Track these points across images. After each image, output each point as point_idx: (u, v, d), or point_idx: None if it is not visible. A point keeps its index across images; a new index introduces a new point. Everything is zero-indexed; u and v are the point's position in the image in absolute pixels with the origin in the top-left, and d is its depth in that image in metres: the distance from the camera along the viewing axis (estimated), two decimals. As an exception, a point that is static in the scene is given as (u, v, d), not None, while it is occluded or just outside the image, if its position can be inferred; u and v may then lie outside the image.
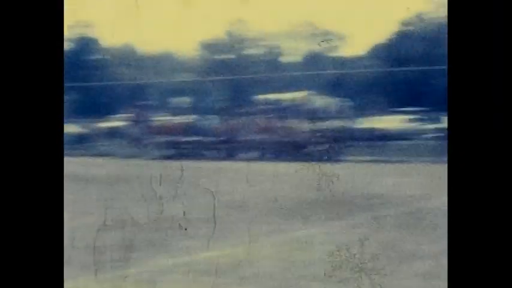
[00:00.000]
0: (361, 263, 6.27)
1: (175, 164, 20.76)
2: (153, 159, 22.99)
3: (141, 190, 10.91)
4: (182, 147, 23.50)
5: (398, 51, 65.38)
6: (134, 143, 24.53)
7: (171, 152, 23.46)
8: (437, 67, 56.75)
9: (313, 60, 70.32)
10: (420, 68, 56.78)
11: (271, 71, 57.09)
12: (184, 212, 8.97)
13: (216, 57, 71.75)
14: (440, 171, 16.10)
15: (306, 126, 21.92)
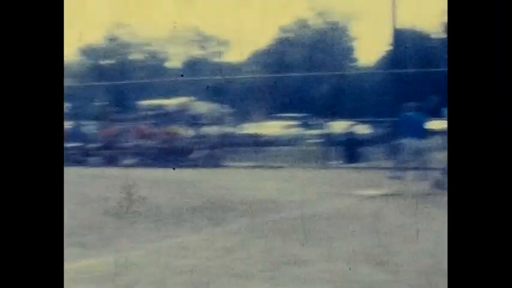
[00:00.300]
0: (240, 269, 6.30)
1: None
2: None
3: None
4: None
5: (279, 58, 66.25)
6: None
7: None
8: (317, 73, 57.96)
9: (197, 66, 70.14)
10: (301, 74, 57.85)
11: (155, 77, 56.65)
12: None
13: (98, 62, 70.35)
14: (320, 176, 16.50)
15: (188, 132, 21.91)
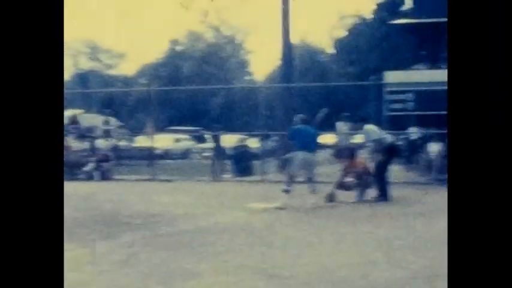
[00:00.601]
0: (132, 283, 6.25)
1: None
2: None
3: None
4: None
5: (169, 70, 65.93)
6: None
7: None
8: (209, 86, 57.92)
9: (90, 78, 68.86)
10: (191, 87, 57.78)
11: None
12: None
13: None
14: (212, 189, 16.54)
15: (80, 145, 21.49)
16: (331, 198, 12.97)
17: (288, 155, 17.86)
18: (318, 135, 13.34)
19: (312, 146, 12.95)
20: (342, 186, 13.39)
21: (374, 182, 13.42)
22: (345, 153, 14.17)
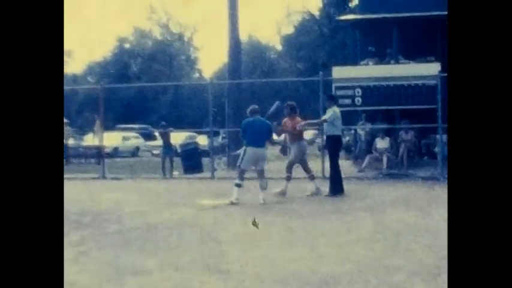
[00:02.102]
0: (80, 280, 6.19)
1: None
2: None
3: None
4: None
5: (117, 68, 65.31)
6: None
7: None
8: (158, 84, 57.45)
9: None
10: (139, 84, 57.30)
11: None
12: None
13: None
14: (161, 186, 16.45)
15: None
16: (282, 193, 13.02)
17: (239, 150, 17.88)
18: (271, 128, 13.16)
19: (264, 139, 12.82)
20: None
21: (329, 176, 13.54)
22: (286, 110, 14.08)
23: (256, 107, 13.05)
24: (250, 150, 12.49)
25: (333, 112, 13.54)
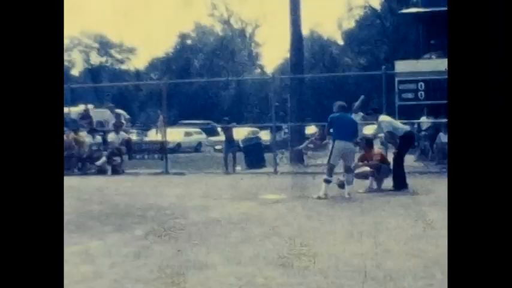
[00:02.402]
0: (145, 275, 6.25)
1: None
2: None
3: None
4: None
5: (179, 64, 65.96)
6: None
7: None
8: (220, 79, 57.61)
9: (100, 72, 68.92)
10: (202, 80, 57.67)
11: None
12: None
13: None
14: (224, 181, 16.54)
15: (89, 139, 21.55)
16: (341, 185, 12.93)
17: (301, 145, 17.80)
18: (357, 125, 13.15)
19: (352, 134, 12.76)
20: (360, 175, 13.34)
21: (391, 172, 13.41)
22: (361, 143, 14.05)
23: (343, 103, 13.06)
24: (339, 144, 12.42)
25: (383, 121, 13.49)
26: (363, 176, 13.37)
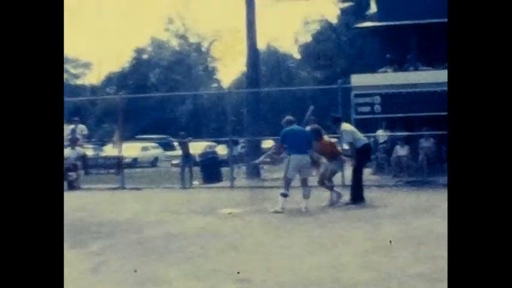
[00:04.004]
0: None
1: None
2: None
3: None
4: None
5: (135, 78, 65.60)
6: None
7: None
8: (175, 92, 57.47)
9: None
10: (158, 94, 57.47)
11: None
12: None
13: None
14: (180, 196, 16.45)
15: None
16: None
17: (257, 160, 17.82)
18: (310, 137, 13.18)
19: (306, 147, 12.80)
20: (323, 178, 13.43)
21: (351, 185, 13.45)
22: (312, 133, 14.06)
23: (291, 117, 13.15)
24: (295, 158, 12.48)
25: (345, 130, 13.54)
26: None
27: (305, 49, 62.19)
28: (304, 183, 12.60)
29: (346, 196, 13.26)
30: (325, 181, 13.36)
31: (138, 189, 19.14)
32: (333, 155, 13.61)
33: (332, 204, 13.05)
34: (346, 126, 13.75)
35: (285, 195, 12.22)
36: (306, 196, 12.39)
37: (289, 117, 13.14)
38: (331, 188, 13.32)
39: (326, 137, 14.12)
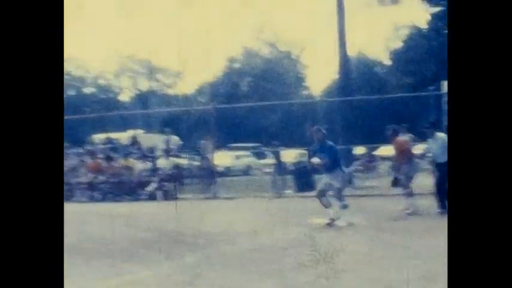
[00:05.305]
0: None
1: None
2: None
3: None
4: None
5: (225, 88, 66.30)
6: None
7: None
8: (267, 103, 57.87)
9: (148, 98, 69.72)
10: (249, 104, 57.89)
11: (108, 110, 56.17)
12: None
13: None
14: (273, 206, 16.49)
15: (141, 165, 21.76)
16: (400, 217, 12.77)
17: (350, 167, 17.69)
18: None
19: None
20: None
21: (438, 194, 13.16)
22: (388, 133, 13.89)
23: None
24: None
25: (440, 138, 13.11)
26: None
27: (395, 55, 61.49)
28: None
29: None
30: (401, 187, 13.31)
31: (231, 198, 19.32)
32: (407, 156, 13.36)
33: (412, 212, 12.87)
34: (441, 135, 13.31)
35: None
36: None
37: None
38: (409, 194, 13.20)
39: (402, 137, 13.89)
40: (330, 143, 12.72)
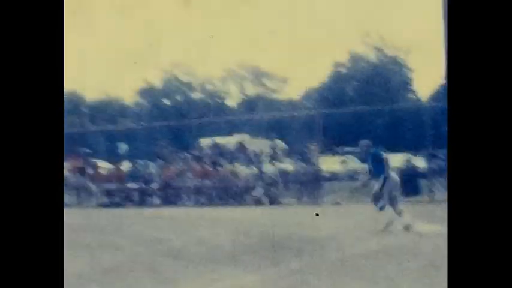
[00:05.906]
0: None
1: (115, 212, 20.51)
2: (93, 207, 22.70)
3: (79, 238, 10.78)
4: (121, 194, 23.23)
5: (332, 93, 66.15)
6: (73, 191, 23.99)
7: (112, 199, 23.22)
8: (371, 107, 57.36)
9: (254, 103, 70.46)
10: (353, 108, 57.55)
11: (214, 115, 57.18)
12: (123, 262, 8.89)
13: (157, 102, 71.36)
14: (371, 211, 16.30)
15: (245, 170, 22.00)
16: None
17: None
18: None
19: None
20: None
21: None
22: None
23: None
24: None
25: None
26: None
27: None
28: None
29: None
30: None
31: (337, 203, 19.25)
32: None
33: None
34: None
35: None
36: None
37: None
38: None
39: None
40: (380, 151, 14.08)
